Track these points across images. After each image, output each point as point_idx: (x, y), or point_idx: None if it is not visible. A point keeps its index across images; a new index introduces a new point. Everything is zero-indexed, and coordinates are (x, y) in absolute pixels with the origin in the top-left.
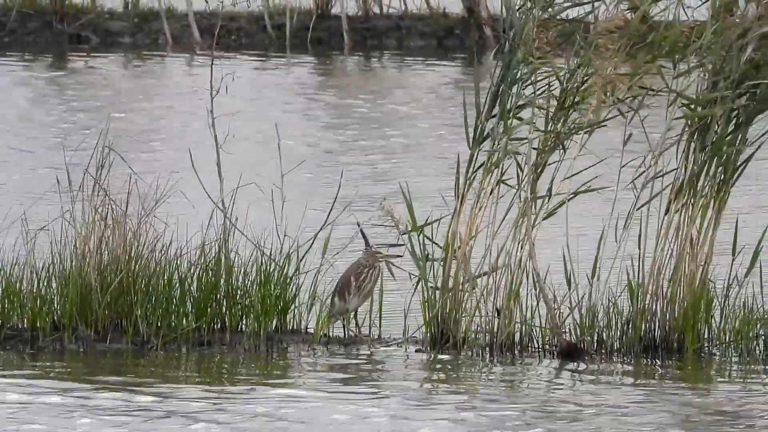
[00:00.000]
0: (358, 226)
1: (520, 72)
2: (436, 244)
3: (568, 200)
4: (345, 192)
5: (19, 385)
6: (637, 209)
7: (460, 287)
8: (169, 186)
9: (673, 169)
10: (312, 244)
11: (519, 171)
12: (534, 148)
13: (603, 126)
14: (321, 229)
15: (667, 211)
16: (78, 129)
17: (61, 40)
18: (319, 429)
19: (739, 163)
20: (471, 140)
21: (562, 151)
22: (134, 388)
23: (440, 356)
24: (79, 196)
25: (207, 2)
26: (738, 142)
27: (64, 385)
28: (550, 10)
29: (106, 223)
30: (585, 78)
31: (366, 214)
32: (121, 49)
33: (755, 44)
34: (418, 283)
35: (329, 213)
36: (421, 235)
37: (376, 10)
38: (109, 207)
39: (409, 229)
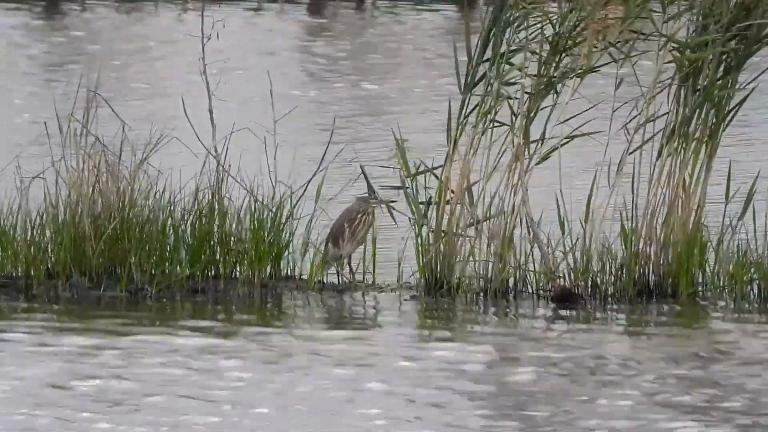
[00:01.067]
0: (361, 169)
1: (512, 15)
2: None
3: (561, 145)
4: (337, 138)
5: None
6: (630, 154)
7: (454, 232)
8: (162, 133)
9: (665, 113)
10: (305, 190)
11: (512, 116)
12: (526, 93)
13: (595, 71)
14: (314, 175)
15: (659, 155)
16: (68, 77)
17: None
18: (310, 377)
19: (730, 108)
20: (462, 85)
21: (554, 95)
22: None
23: (434, 301)
24: (70, 143)
25: None
26: (729, 85)
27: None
28: None
29: (98, 170)
30: (577, 22)
31: (361, 159)
32: None
33: None
34: (420, 228)
35: (322, 159)
36: (415, 181)
37: None
38: (102, 154)
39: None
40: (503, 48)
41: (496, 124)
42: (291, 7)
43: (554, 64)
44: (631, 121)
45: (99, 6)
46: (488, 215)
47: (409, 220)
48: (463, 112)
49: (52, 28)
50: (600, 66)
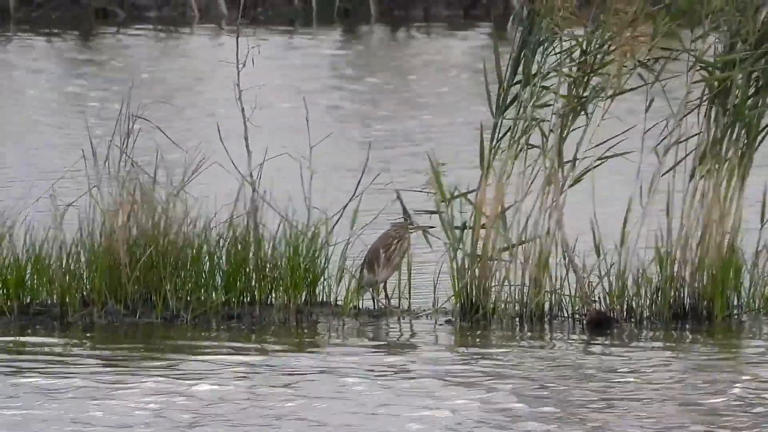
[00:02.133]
0: (397, 194)
1: (541, 37)
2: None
3: (594, 166)
4: (372, 164)
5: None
6: (662, 175)
7: (489, 257)
8: (198, 159)
9: (696, 134)
10: (341, 216)
11: (543, 138)
12: (557, 115)
13: (625, 92)
14: (350, 200)
15: (691, 177)
16: (105, 104)
17: (88, 16)
18: (350, 402)
19: (761, 128)
20: (494, 108)
21: (585, 116)
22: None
23: (470, 327)
24: (106, 168)
25: None
26: (759, 105)
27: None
28: None
29: (134, 197)
30: (604, 42)
31: (396, 185)
32: (148, 22)
33: None
34: (455, 252)
35: (357, 184)
36: (451, 206)
37: None
38: (137, 181)
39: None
40: (534, 69)
41: (528, 146)
42: (325, 31)
43: (584, 85)
44: (661, 142)
45: (134, 31)
46: (523, 239)
47: (444, 245)
48: (496, 135)
49: (87, 56)
50: (630, 90)
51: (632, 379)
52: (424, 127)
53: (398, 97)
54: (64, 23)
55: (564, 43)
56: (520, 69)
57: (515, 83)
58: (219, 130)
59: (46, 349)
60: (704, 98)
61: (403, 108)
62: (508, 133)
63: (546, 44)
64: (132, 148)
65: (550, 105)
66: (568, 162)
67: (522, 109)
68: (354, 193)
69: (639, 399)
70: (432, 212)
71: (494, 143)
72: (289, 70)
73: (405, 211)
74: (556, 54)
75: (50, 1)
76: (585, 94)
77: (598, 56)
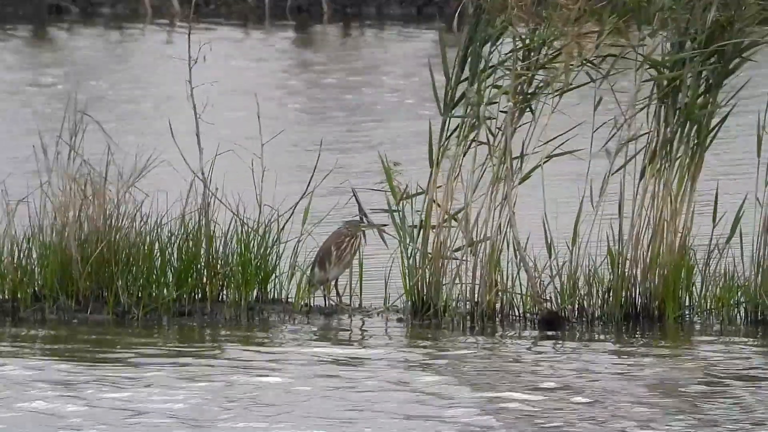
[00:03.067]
0: (353, 192)
1: (487, 33)
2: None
3: (543, 163)
4: (324, 161)
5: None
6: (612, 174)
7: (441, 256)
8: (150, 156)
9: (645, 133)
10: (292, 213)
11: (488, 135)
12: (502, 111)
13: (571, 89)
14: (301, 198)
15: (642, 176)
16: (56, 99)
17: (41, 11)
18: (300, 399)
19: (711, 127)
20: (442, 107)
21: (531, 113)
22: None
23: (421, 325)
24: (57, 164)
25: None
26: (709, 104)
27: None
28: None
29: (85, 193)
30: (549, 39)
31: (348, 183)
32: (101, 19)
33: (717, 4)
34: (407, 251)
35: (309, 182)
36: (402, 205)
37: None
38: (88, 177)
39: (397, 198)
40: (481, 66)
41: (477, 143)
42: (277, 29)
43: (529, 81)
44: (608, 141)
45: (86, 29)
46: (474, 238)
47: (397, 243)
48: (444, 133)
49: (39, 51)
50: (576, 87)
51: (582, 379)
52: (376, 126)
53: (351, 95)
54: (17, 18)
55: (511, 40)
56: (467, 66)
57: (463, 80)
58: (171, 127)
59: None
60: (653, 97)
61: (356, 106)
62: (457, 131)
63: (493, 41)
64: (82, 145)
65: (496, 102)
66: (516, 158)
67: (469, 107)
68: (305, 191)
69: (588, 398)
70: (386, 211)
71: (443, 141)
72: (242, 68)
73: (360, 209)
74: (502, 51)
75: None
76: (531, 91)
77: (544, 53)
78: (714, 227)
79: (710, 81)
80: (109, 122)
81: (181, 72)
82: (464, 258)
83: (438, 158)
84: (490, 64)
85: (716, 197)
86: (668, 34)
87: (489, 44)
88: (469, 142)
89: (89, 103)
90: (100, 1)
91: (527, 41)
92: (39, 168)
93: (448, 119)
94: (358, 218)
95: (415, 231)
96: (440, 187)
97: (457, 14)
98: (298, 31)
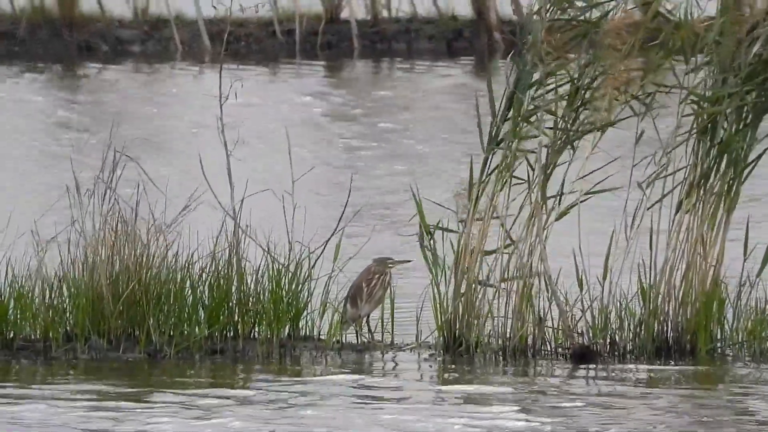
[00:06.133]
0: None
1: (533, 74)
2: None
3: (580, 201)
4: (355, 198)
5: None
6: (648, 209)
7: (473, 291)
8: (183, 197)
9: (682, 167)
10: (323, 250)
11: (529, 169)
12: (544, 146)
13: (614, 123)
14: (332, 234)
15: (677, 210)
16: (89, 138)
17: (71, 50)
18: None
19: (748, 162)
20: (485, 144)
21: (572, 151)
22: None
23: (453, 360)
24: (90, 203)
25: (215, 7)
26: (747, 139)
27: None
28: (566, 13)
29: (116, 232)
30: (595, 77)
31: (375, 219)
32: (132, 57)
33: (763, 39)
34: (438, 286)
35: (340, 219)
36: (432, 240)
37: (385, 14)
38: (119, 216)
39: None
40: (523, 108)
41: (514, 181)
42: (308, 65)
43: (572, 119)
44: (647, 177)
45: (116, 67)
46: (507, 274)
47: (431, 279)
48: (486, 170)
49: (70, 89)
50: (619, 120)
51: (616, 413)
52: (409, 161)
53: (382, 130)
54: (47, 58)
55: (555, 78)
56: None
57: (508, 119)
58: (201, 164)
59: (31, 383)
60: (692, 131)
61: (388, 142)
62: (497, 168)
63: (539, 80)
64: (115, 183)
65: (537, 136)
66: (553, 197)
67: (511, 144)
68: (336, 227)
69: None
70: (449, 230)
71: (484, 177)
72: (272, 104)
73: (383, 259)
74: (546, 89)
75: (33, 35)
76: (573, 128)
77: (589, 91)
78: (745, 260)
79: (750, 115)
80: (140, 159)
81: (212, 109)
82: (497, 287)
83: (477, 194)
84: (534, 104)
85: (747, 229)
86: (712, 70)
87: (535, 86)
88: (507, 180)
89: (120, 140)
90: (130, 39)
91: (575, 79)
92: (71, 206)
93: (490, 155)
94: (386, 256)
95: (447, 266)
96: (479, 221)
97: (511, 54)
98: (329, 67)
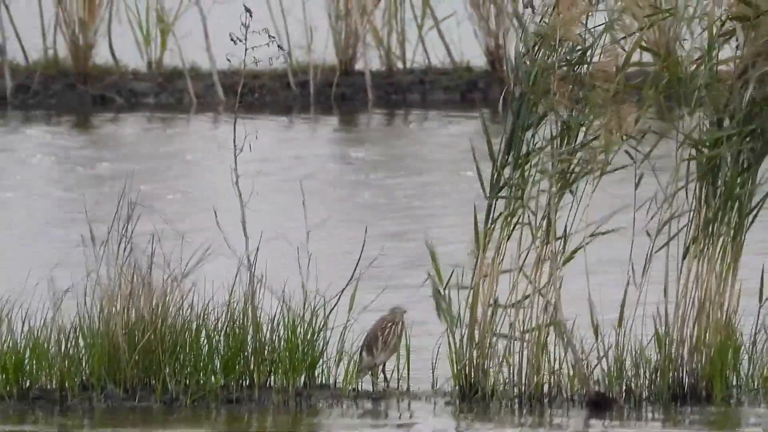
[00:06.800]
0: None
1: (532, 119)
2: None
3: (586, 244)
4: (369, 249)
5: None
6: (655, 253)
7: (487, 341)
8: (195, 244)
9: (686, 211)
10: (338, 299)
11: (530, 216)
12: (542, 191)
13: (614, 171)
14: (347, 284)
15: (684, 256)
16: (103, 189)
17: (85, 102)
18: None
19: (752, 206)
20: (488, 190)
21: (572, 194)
22: None
23: (469, 408)
24: (104, 254)
25: (229, 60)
26: (749, 183)
27: None
28: (553, 55)
29: (132, 282)
30: (588, 119)
31: (390, 270)
32: (146, 109)
33: (755, 82)
34: (453, 335)
35: (355, 268)
36: (447, 291)
37: (400, 65)
38: (135, 266)
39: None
40: (524, 150)
41: (521, 225)
42: (322, 117)
43: (570, 163)
44: (650, 221)
45: (130, 118)
46: (523, 323)
47: (446, 328)
48: (491, 216)
49: (84, 139)
50: (618, 168)
51: None
52: (423, 211)
53: (395, 181)
54: (61, 109)
55: (553, 124)
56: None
57: (507, 164)
58: (216, 215)
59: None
60: (692, 178)
61: (401, 192)
62: (501, 215)
63: (535, 126)
64: (130, 232)
65: (538, 181)
66: (559, 238)
67: (513, 190)
68: (351, 276)
69: None
70: (463, 287)
71: (489, 224)
72: (287, 156)
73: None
74: (544, 134)
75: (48, 87)
76: (572, 170)
77: (583, 134)
78: (761, 306)
79: (750, 160)
80: (154, 210)
81: (227, 160)
82: (523, 338)
83: (484, 242)
84: (532, 148)
85: (762, 275)
86: (707, 112)
87: (531, 129)
88: (513, 226)
89: (135, 190)
90: (144, 91)
91: (568, 123)
92: (86, 256)
93: (494, 203)
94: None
95: (461, 315)
96: (488, 272)
97: (501, 99)
98: (343, 119)
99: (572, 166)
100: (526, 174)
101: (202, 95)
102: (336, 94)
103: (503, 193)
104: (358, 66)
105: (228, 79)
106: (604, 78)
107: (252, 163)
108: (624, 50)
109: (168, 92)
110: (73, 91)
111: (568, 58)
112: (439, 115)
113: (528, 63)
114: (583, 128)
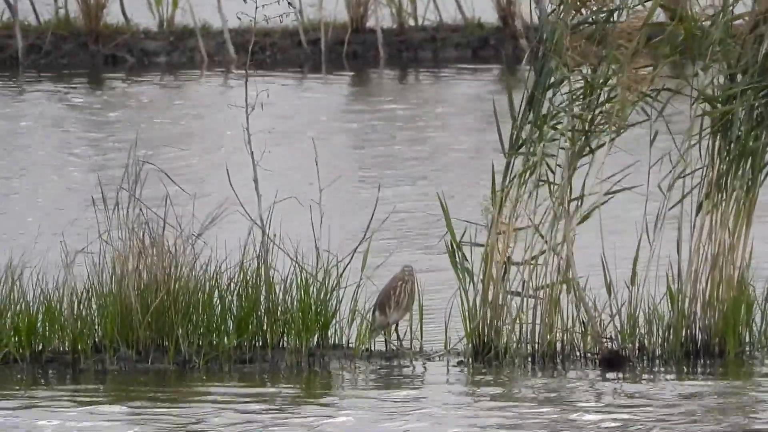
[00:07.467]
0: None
1: (553, 78)
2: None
3: (602, 203)
4: (382, 207)
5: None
6: (669, 209)
7: (500, 300)
8: (212, 205)
9: (699, 168)
10: (351, 258)
11: (548, 175)
12: (562, 148)
13: (629, 126)
14: (360, 243)
15: (698, 211)
16: (115, 150)
17: (97, 61)
18: None
19: (766, 161)
20: (506, 148)
21: (591, 152)
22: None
23: (482, 367)
24: (117, 214)
25: (239, 18)
26: (763, 138)
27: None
28: (579, 14)
29: (144, 242)
30: (609, 77)
31: (402, 229)
32: (157, 68)
33: None
34: (466, 293)
35: (368, 227)
36: (461, 249)
37: (411, 22)
38: (147, 226)
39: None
40: (545, 110)
41: (541, 183)
42: (333, 75)
43: (589, 121)
44: (665, 178)
45: (142, 78)
46: (536, 280)
47: (459, 286)
48: (509, 174)
49: (96, 100)
50: (633, 124)
51: (646, 417)
52: (435, 168)
53: (409, 139)
54: (73, 69)
55: (572, 82)
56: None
57: (528, 123)
58: (228, 174)
59: (60, 395)
60: (705, 132)
61: (414, 150)
62: (519, 173)
63: (556, 84)
64: (141, 194)
65: (556, 139)
66: (575, 199)
67: (532, 147)
68: (364, 235)
69: None
70: (476, 244)
71: (507, 182)
72: (299, 114)
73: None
74: (564, 93)
75: (59, 47)
76: (590, 129)
77: (604, 92)
78: None
79: (763, 114)
80: (166, 169)
81: (239, 119)
82: (537, 296)
83: (501, 200)
84: (553, 108)
85: None
86: (720, 68)
87: (552, 88)
88: (531, 184)
89: (147, 150)
90: (156, 50)
91: (588, 81)
92: (98, 218)
93: (512, 160)
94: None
95: (475, 274)
96: (503, 229)
97: (525, 58)
98: (354, 76)
99: (591, 126)
100: (546, 133)
101: (214, 54)
102: (347, 51)
103: (522, 151)
104: (370, 23)
105: (239, 37)
106: (627, 38)
107: (264, 120)
108: (644, 8)
109: (179, 51)
110: (84, 51)
111: (593, 18)
112: (451, 72)
113: (551, 22)
114: (606, 88)
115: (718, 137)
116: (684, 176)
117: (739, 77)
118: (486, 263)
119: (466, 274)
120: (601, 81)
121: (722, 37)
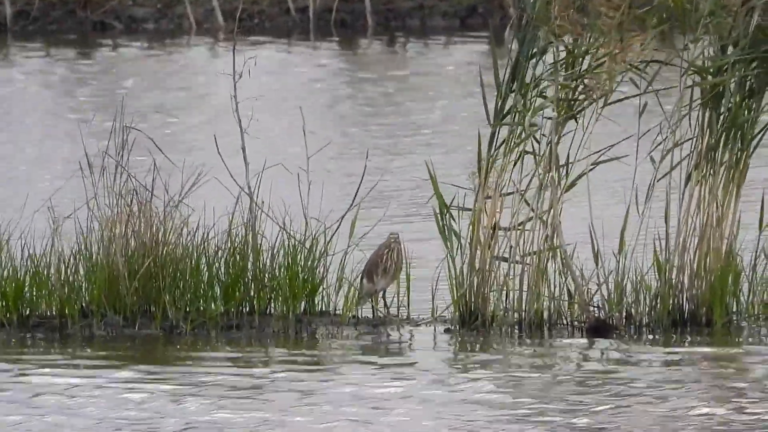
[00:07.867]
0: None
1: (536, 47)
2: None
3: (588, 171)
4: (370, 175)
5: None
6: (657, 181)
7: (487, 266)
8: (195, 171)
9: (689, 139)
10: (339, 226)
11: (533, 144)
12: (547, 118)
13: (618, 101)
14: (347, 210)
15: (687, 182)
16: (102, 116)
17: (85, 28)
18: (348, 410)
19: (755, 132)
20: (491, 117)
21: (575, 121)
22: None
23: (469, 334)
24: (105, 180)
25: None
26: (753, 109)
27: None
28: None
29: (131, 208)
30: (594, 47)
31: (390, 197)
32: (146, 34)
33: (761, 9)
34: (453, 261)
35: (355, 195)
36: (448, 215)
37: None
38: (134, 192)
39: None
40: (529, 77)
41: (525, 153)
42: (321, 43)
43: (575, 90)
44: (656, 147)
45: (130, 45)
46: (523, 248)
47: (446, 254)
48: (494, 143)
49: (84, 67)
50: (622, 99)
51: (632, 386)
52: (422, 137)
53: (396, 107)
54: (61, 36)
55: (558, 51)
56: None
57: (513, 91)
58: (216, 141)
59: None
60: (696, 104)
61: (401, 118)
62: (505, 142)
63: (539, 53)
64: (128, 160)
65: (542, 110)
66: (562, 165)
67: (518, 117)
68: (352, 203)
69: (640, 405)
70: (463, 209)
71: (492, 151)
72: (287, 81)
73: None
74: (549, 62)
75: (47, 14)
76: (576, 98)
77: (588, 61)
78: (761, 232)
79: (753, 86)
80: (154, 137)
81: (226, 86)
82: (524, 262)
83: (487, 168)
84: (537, 76)
85: (762, 202)
86: (711, 40)
87: (536, 56)
88: (516, 153)
89: (134, 117)
90: (144, 16)
91: (572, 51)
92: (85, 184)
93: (497, 129)
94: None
95: (463, 241)
96: (489, 197)
97: (509, 26)
98: (342, 45)
99: (576, 94)
100: (530, 102)
101: (202, 21)
102: (335, 19)
103: (507, 120)
104: None
105: (227, 4)
106: (609, 6)
107: (251, 88)
108: None
109: (167, 18)
110: (72, 18)
111: None
112: (439, 41)
113: None
114: (588, 56)
115: (708, 108)
116: (674, 146)
117: (730, 49)
118: (473, 228)
119: (453, 238)
120: (583, 50)
121: (713, 9)
